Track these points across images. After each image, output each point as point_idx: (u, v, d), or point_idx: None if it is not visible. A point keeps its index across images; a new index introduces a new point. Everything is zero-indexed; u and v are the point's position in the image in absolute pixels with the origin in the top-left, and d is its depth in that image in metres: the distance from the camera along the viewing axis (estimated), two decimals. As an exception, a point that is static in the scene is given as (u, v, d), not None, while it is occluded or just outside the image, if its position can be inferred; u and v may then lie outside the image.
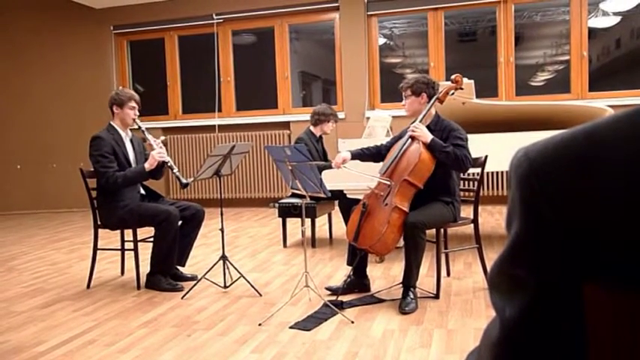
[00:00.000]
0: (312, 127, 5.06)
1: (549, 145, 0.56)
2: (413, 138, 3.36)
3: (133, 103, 3.91)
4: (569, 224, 0.53)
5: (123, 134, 3.91)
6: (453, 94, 3.63)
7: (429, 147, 3.28)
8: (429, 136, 3.30)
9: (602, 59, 7.53)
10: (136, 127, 3.96)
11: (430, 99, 3.45)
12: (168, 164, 3.84)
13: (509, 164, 0.59)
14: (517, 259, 0.58)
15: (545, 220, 0.54)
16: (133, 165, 3.90)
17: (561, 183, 0.54)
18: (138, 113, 3.96)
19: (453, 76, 3.53)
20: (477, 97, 4.65)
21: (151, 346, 2.81)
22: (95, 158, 3.75)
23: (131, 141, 3.97)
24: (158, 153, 3.79)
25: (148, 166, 3.78)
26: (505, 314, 0.59)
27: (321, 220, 5.55)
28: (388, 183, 3.29)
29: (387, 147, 3.66)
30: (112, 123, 3.94)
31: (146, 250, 3.95)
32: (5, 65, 8.22)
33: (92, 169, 3.93)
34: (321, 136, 5.14)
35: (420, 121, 3.40)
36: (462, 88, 3.61)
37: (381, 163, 3.56)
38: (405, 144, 3.37)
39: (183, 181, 3.76)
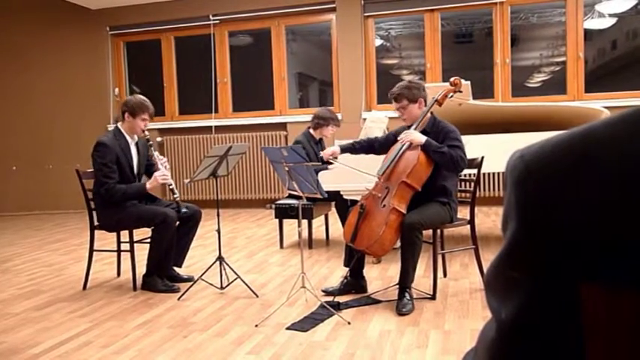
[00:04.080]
0: (311, 130, 5.05)
1: (545, 147, 0.56)
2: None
3: (145, 116, 3.84)
4: (566, 226, 0.53)
5: (129, 139, 3.88)
6: (451, 96, 3.62)
7: (424, 148, 3.29)
8: (422, 138, 3.30)
9: (598, 60, 7.56)
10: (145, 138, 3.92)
11: (425, 101, 3.45)
12: (170, 187, 3.86)
13: (505, 166, 0.59)
14: (513, 261, 0.58)
15: (540, 222, 0.54)
16: (135, 171, 3.89)
17: (557, 185, 0.54)
18: (148, 125, 3.91)
19: (451, 79, 3.52)
20: (474, 98, 4.65)
21: (147, 348, 2.80)
22: (98, 165, 3.73)
23: (136, 144, 3.94)
24: (162, 176, 3.78)
25: (149, 186, 3.79)
26: (501, 316, 0.59)
27: (318, 221, 5.55)
28: (376, 180, 3.31)
29: (381, 142, 3.65)
30: (119, 127, 3.90)
31: (142, 252, 3.94)
32: (1, 66, 8.20)
33: (89, 170, 3.92)
34: (321, 139, 5.12)
35: (418, 125, 3.40)
36: (460, 91, 3.61)
37: (378, 164, 3.56)
38: (403, 145, 3.36)
39: (183, 209, 3.76)
